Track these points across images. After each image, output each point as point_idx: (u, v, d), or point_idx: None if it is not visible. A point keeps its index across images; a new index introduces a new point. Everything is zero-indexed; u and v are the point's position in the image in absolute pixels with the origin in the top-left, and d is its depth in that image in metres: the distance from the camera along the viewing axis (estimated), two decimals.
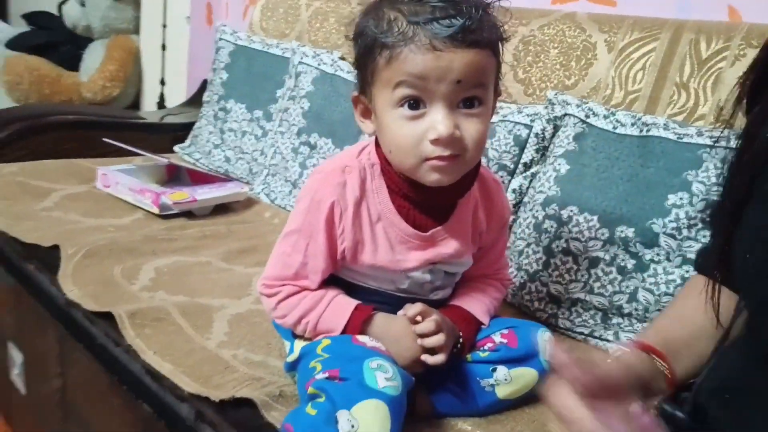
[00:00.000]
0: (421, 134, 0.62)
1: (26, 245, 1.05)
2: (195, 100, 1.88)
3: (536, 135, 1.04)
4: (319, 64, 1.40)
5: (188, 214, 1.25)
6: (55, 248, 1.02)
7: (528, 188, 1.04)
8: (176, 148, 1.66)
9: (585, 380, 0.48)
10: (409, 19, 0.61)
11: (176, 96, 2.20)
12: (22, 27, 2.74)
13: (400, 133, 0.63)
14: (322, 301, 0.69)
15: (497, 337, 0.73)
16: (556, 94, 1.04)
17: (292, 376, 0.72)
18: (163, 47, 2.21)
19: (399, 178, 0.68)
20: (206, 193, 1.28)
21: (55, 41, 2.49)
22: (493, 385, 0.71)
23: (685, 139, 0.89)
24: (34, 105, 2.11)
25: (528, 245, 0.99)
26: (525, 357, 0.72)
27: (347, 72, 1.35)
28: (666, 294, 0.86)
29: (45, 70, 2.27)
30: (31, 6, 2.89)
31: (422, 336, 0.66)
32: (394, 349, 0.66)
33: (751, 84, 0.53)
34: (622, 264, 0.89)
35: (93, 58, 2.36)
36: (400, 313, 0.70)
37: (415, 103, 0.62)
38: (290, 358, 0.71)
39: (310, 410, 0.59)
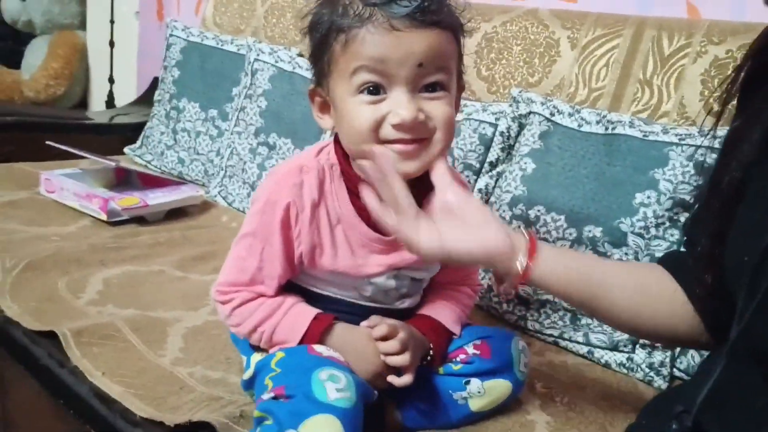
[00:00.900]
0: (380, 118, 0.58)
1: None
2: (146, 99, 1.80)
3: (501, 134, 1.02)
4: (276, 61, 1.35)
5: (140, 220, 1.18)
6: None
7: (494, 188, 1.02)
8: (126, 149, 1.58)
9: None
10: (366, 1, 0.57)
11: (126, 95, 2.10)
12: None
13: (358, 118, 0.59)
14: (280, 309, 0.65)
15: (470, 349, 0.70)
16: (520, 92, 1.02)
17: (250, 395, 0.68)
18: (111, 44, 2.11)
19: (359, 178, 0.63)
20: (159, 198, 1.21)
21: None
22: (466, 398, 0.69)
23: (650, 137, 0.88)
24: None
25: None
26: (498, 369, 0.69)
27: (306, 69, 1.30)
28: None
29: None
30: None
31: (387, 354, 0.63)
32: (355, 361, 0.63)
33: (743, 80, 0.52)
34: None
35: (35, 55, 2.23)
36: (364, 323, 0.66)
37: (375, 89, 0.58)
38: (246, 375, 0.66)
39: None
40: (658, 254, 0.83)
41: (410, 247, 0.58)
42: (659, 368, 0.83)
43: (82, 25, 2.29)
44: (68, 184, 1.21)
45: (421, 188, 0.62)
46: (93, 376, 0.71)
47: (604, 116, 0.94)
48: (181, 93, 1.50)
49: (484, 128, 1.03)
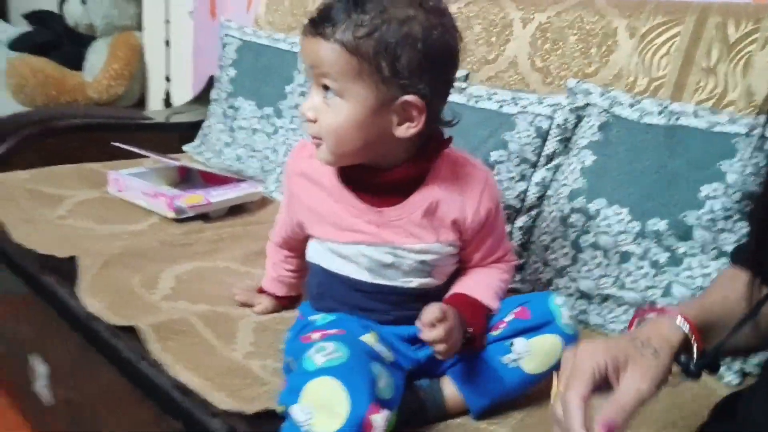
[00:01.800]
0: (300, 108, 0.70)
1: (43, 256, 1.03)
2: (202, 98, 1.85)
3: (558, 126, 1.01)
4: None
5: (203, 217, 1.23)
6: (72, 258, 1.01)
7: (551, 181, 1.01)
8: (186, 147, 1.64)
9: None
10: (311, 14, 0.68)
11: (182, 92, 2.17)
12: (24, 26, 2.71)
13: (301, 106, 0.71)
14: (267, 260, 0.90)
15: (509, 317, 0.72)
16: (577, 83, 1.01)
17: None
18: (167, 43, 2.18)
19: None
20: (221, 195, 1.26)
21: (57, 41, 2.46)
22: (516, 360, 0.69)
23: (716, 128, 0.86)
24: (40, 109, 2.08)
25: (554, 240, 0.97)
26: (540, 325, 0.70)
27: None
28: (702, 288, 0.83)
29: (49, 71, 2.24)
30: (31, 5, 2.86)
31: (432, 343, 0.65)
32: None
33: None
34: (655, 258, 0.87)
35: (96, 56, 2.33)
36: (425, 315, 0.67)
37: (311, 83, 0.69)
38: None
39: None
40: (726, 247, 0.82)
41: None
42: (730, 363, 0.81)
43: (139, 27, 2.37)
44: (135, 183, 1.27)
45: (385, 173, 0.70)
46: (173, 368, 0.75)
47: (666, 106, 0.92)
48: (237, 92, 1.54)
49: (540, 121, 1.03)
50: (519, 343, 0.69)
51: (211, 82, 1.76)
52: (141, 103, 2.40)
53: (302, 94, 1.40)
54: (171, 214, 1.19)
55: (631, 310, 0.90)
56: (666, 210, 0.86)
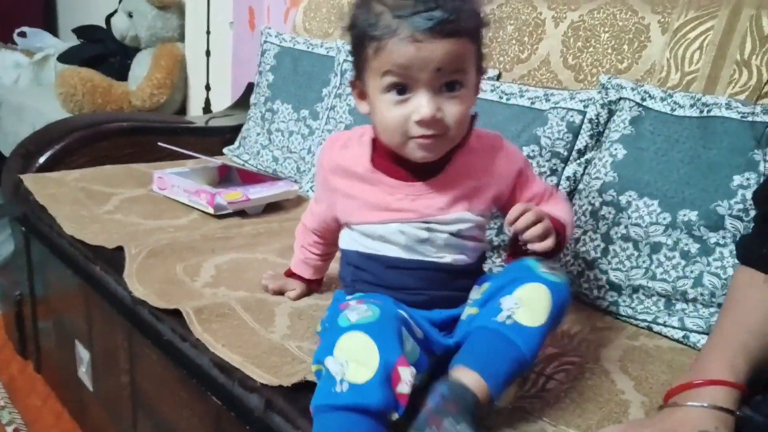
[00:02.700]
0: (406, 116, 0.68)
1: (92, 247, 1.09)
2: (240, 103, 1.92)
3: (590, 120, 1.02)
4: None
5: (241, 213, 1.27)
6: (120, 249, 1.06)
7: (583, 175, 1.02)
8: (225, 150, 1.70)
9: None
10: (394, 13, 0.66)
11: (221, 100, 2.25)
12: (73, 41, 2.84)
13: (389, 116, 0.69)
14: (296, 242, 0.93)
15: (486, 283, 0.74)
16: (609, 78, 1.02)
17: None
18: (207, 53, 2.26)
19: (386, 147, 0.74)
20: (258, 192, 1.30)
21: (104, 53, 2.57)
22: (510, 315, 0.66)
23: (749, 118, 0.86)
24: (92, 114, 2.18)
25: (585, 233, 0.98)
26: (517, 278, 0.69)
27: None
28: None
29: (97, 81, 2.35)
30: (79, 20, 3.00)
31: (529, 241, 0.71)
32: None
33: None
34: (686, 248, 0.87)
35: (141, 67, 2.43)
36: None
37: (402, 88, 0.68)
38: None
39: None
40: None
41: None
42: None
43: (182, 38, 2.46)
44: (178, 181, 1.33)
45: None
46: (214, 348, 0.79)
47: (698, 99, 0.92)
48: (275, 95, 1.59)
49: (572, 116, 1.04)
50: (505, 299, 0.68)
51: (249, 89, 1.82)
52: (182, 110, 2.49)
53: (338, 96, 1.44)
54: (211, 210, 1.24)
55: (661, 301, 0.90)
56: (697, 201, 0.87)
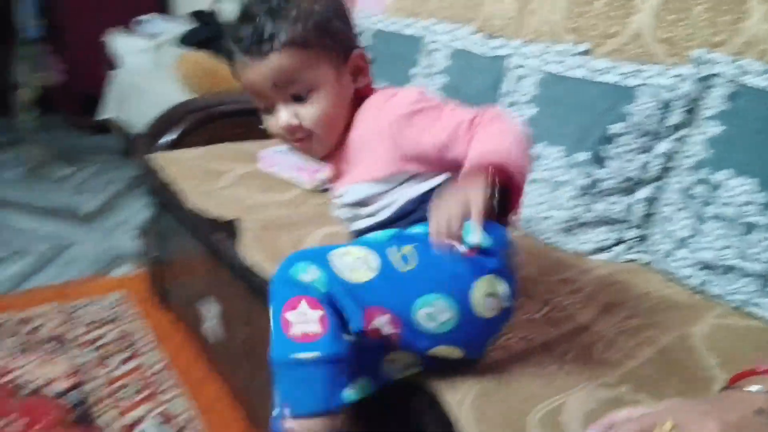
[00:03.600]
0: (279, 126, 0.74)
1: (212, 218, 1.23)
2: None
3: (683, 97, 1.01)
4: (452, 40, 1.45)
5: None
6: (234, 221, 1.19)
7: (675, 152, 1.02)
8: None
9: None
10: (231, 39, 0.72)
11: None
12: (187, 25, 3.06)
13: (269, 129, 0.77)
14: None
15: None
16: (703, 53, 1.00)
17: None
18: None
19: None
20: None
21: (217, 35, 2.75)
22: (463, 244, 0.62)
23: None
24: (204, 98, 2.36)
25: (677, 210, 0.98)
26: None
27: (480, 45, 1.38)
28: None
29: (208, 65, 2.53)
30: (190, 5, 3.22)
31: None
32: None
33: None
34: None
35: None
36: None
37: (266, 106, 0.75)
38: None
39: None
40: None
41: None
42: None
43: None
44: (282, 159, 1.44)
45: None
46: None
47: None
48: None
49: (663, 92, 1.03)
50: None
51: None
52: None
53: (427, 76, 1.49)
54: (311, 186, 1.35)
55: (755, 282, 0.89)
56: None
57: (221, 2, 2.71)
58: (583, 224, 1.08)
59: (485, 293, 0.66)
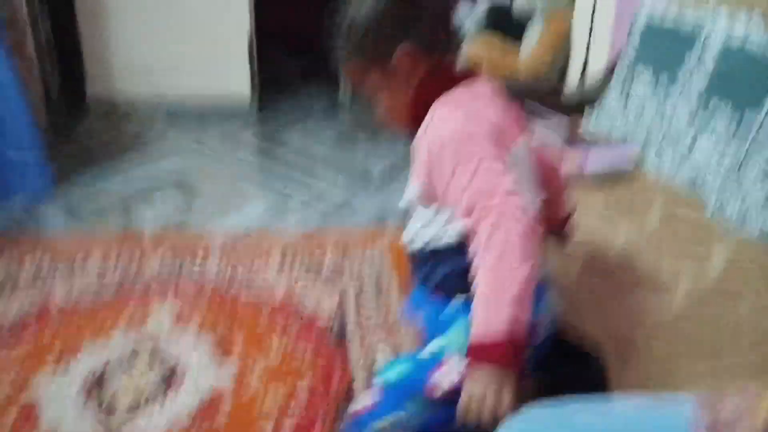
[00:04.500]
0: None
1: None
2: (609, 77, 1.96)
3: None
4: (731, 29, 1.33)
5: None
6: None
7: None
8: (585, 117, 1.81)
9: None
10: None
11: (597, 69, 2.29)
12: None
13: None
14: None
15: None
16: None
17: None
18: (591, 19, 2.32)
19: None
20: (597, 158, 1.40)
21: (510, 15, 2.82)
22: None
23: None
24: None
25: None
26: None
27: (759, 35, 1.25)
28: None
29: (493, 54, 2.66)
30: None
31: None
32: None
33: None
34: None
35: (532, 36, 2.65)
36: None
37: None
38: None
39: None
40: None
41: None
42: None
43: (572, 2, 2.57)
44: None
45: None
46: None
47: None
48: (638, 60, 1.62)
49: None
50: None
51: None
52: (563, 66, 2.62)
53: (699, 59, 1.39)
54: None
55: None
56: None
57: None
58: None
59: None
